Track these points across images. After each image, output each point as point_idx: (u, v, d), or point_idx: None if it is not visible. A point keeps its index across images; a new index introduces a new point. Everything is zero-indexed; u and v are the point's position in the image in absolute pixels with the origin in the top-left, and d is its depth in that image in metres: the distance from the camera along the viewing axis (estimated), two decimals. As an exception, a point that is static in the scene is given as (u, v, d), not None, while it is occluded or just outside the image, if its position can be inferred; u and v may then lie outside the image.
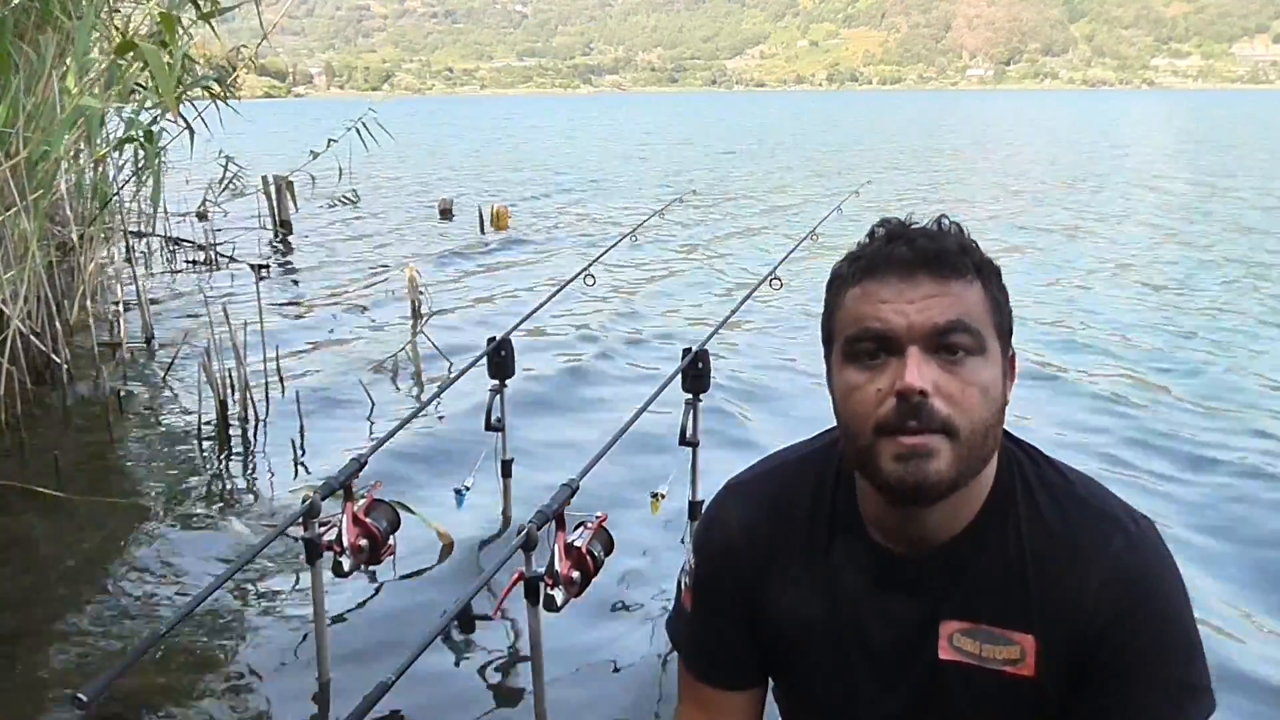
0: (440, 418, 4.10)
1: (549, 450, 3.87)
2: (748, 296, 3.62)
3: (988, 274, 1.03)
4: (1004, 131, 34.59)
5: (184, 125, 5.91)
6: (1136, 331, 6.03)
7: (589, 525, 2.17)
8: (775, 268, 3.65)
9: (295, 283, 7.69)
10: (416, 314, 6.16)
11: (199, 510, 3.40)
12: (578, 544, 2.09)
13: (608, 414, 4.29)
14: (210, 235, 9.36)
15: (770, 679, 1.22)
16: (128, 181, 6.54)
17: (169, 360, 5.11)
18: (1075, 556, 1.02)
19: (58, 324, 4.79)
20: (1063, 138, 30.76)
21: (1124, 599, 1.00)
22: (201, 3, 5.61)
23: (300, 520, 2.22)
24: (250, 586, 2.82)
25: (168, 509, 3.40)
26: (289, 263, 8.70)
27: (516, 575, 1.97)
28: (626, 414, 2.57)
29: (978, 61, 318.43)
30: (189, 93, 6.02)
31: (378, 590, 2.81)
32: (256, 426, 4.15)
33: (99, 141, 5.56)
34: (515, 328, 3.28)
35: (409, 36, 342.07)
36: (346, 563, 2.27)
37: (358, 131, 9.08)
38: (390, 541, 2.40)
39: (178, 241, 8.69)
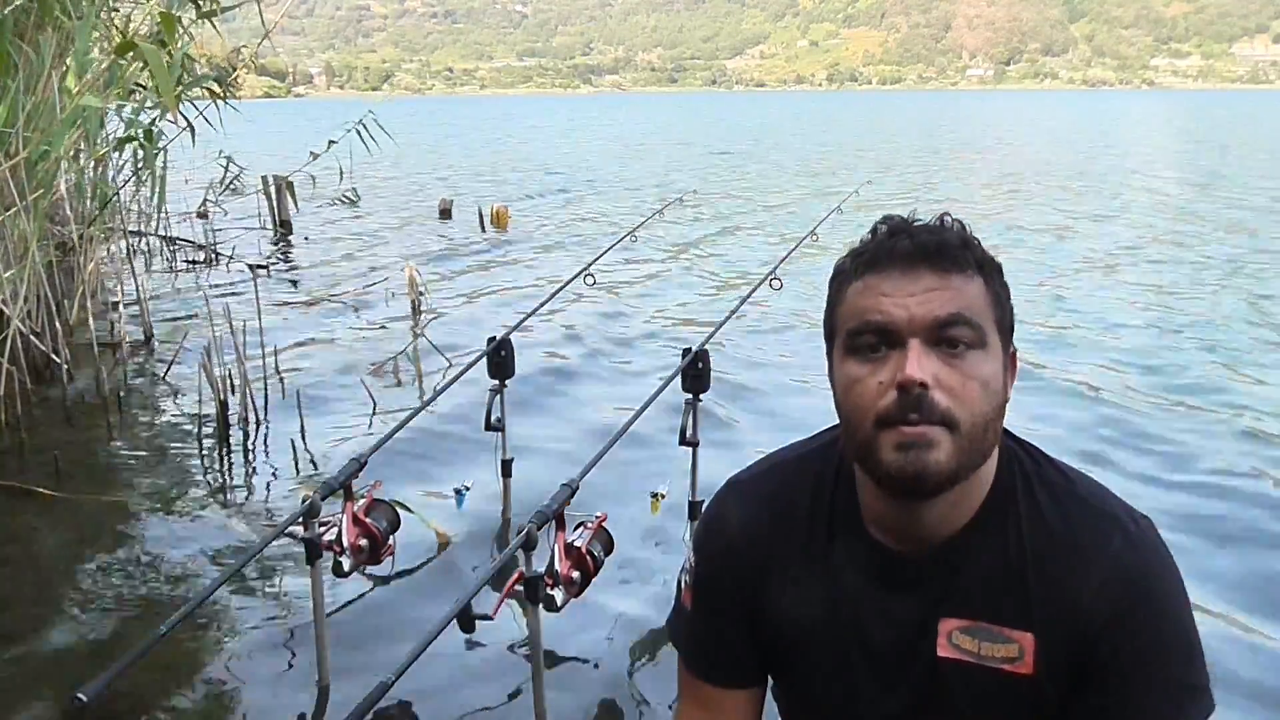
0: (440, 418, 4.10)
1: (549, 450, 3.87)
2: (747, 297, 3.62)
3: (989, 270, 1.04)
4: (1003, 132, 34.58)
5: (184, 125, 5.90)
6: (1121, 331, 6.03)
7: (589, 525, 2.17)
8: (775, 268, 3.65)
9: (295, 282, 7.69)
10: (416, 314, 6.16)
11: (199, 510, 3.40)
12: (578, 544, 2.09)
13: (608, 414, 4.30)
14: (210, 235, 9.37)
15: (770, 678, 1.22)
16: (128, 181, 6.54)
17: (169, 360, 5.11)
18: (1075, 555, 1.02)
19: (58, 324, 4.79)
20: (1060, 138, 30.75)
21: (1123, 598, 1.00)
22: (201, 2, 5.61)
23: (300, 520, 2.22)
24: (250, 586, 2.82)
25: (168, 509, 3.40)
26: (289, 262, 8.70)
27: (516, 575, 1.97)
28: (626, 414, 2.57)
29: (978, 61, 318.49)
30: (189, 92, 6.02)
31: (378, 590, 2.81)
32: (256, 426, 4.15)
33: (99, 141, 5.56)
34: (515, 328, 3.28)
35: (409, 36, 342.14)
36: (346, 563, 2.27)
37: (358, 133, 9.10)
38: (390, 541, 2.40)
39: (178, 241, 8.69)
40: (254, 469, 3.85)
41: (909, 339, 0.98)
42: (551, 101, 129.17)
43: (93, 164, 5.76)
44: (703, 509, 1.27)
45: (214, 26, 5.95)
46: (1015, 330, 1.07)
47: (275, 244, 9.61)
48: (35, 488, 3.49)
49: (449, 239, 10.01)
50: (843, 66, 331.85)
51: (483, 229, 10.54)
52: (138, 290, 5.89)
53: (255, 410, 4.17)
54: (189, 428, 4.21)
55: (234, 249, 8.59)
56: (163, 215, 8.21)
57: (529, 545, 1.95)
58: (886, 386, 0.98)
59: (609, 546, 2.19)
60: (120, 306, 5.57)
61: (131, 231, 7.50)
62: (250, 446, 4.03)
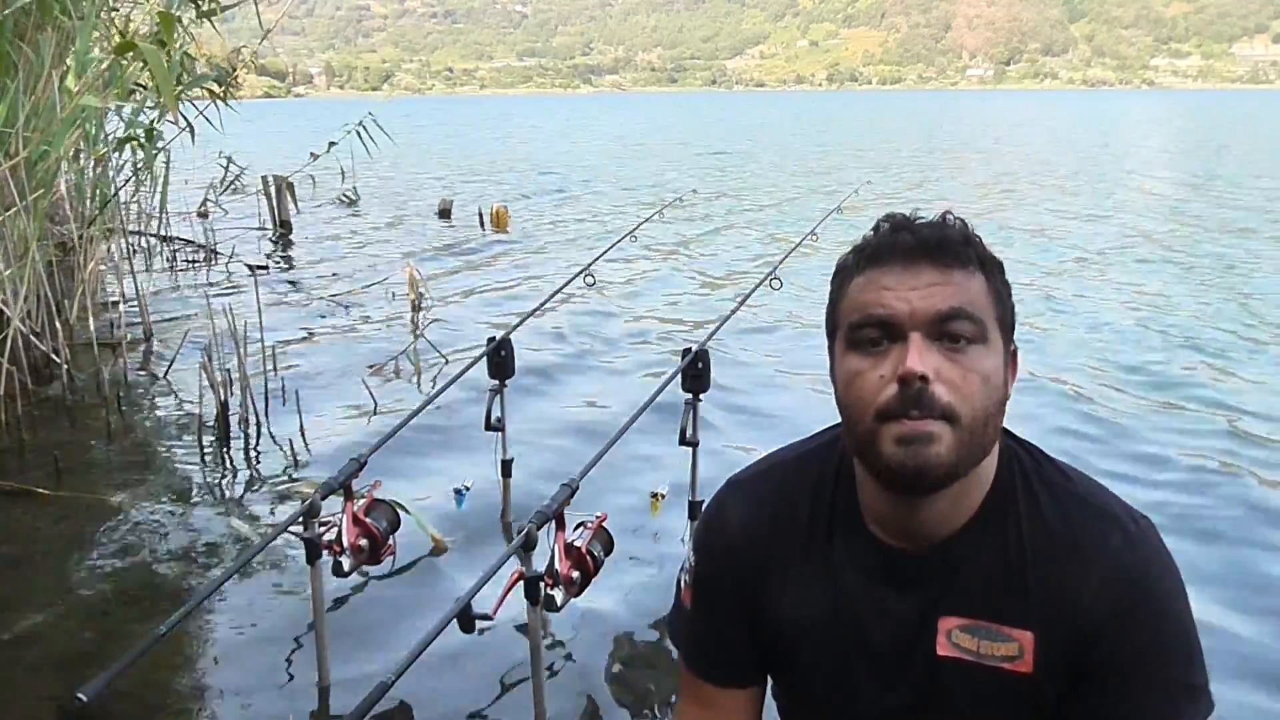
0: (440, 418, 4.10)
1: (549, 450, 3.87)
2: (747, 297, 3.62)
3: (991, 267, 1.04)
4: (1001, 132, 34.58)
5: (184, 125, 5.90)
6: (1106, 330, 6.04)
7: (589, 525, 2.17)
8: (775, 268, 3.65)
9: (295, 283, 7.69)
10: (416, 314, 6.16)
11: (199, 509, 3.40)
12: (578, 544, 2.09)
13: (607, 414, 4.30)
14: (210, 235, 9.37)
15: (770, 678, 1.22)
16: (128, 181, 6.54)
17: (169, 359, 5.11)
18: (1075, 555, 1.03)
19: (58, 323, 4.79)
20: (1058, 138, 30.74)
21: (1122, 598, 1.00)
22: (201, 2, 5.61)
23: (300, 520, 2.22)
24: (250, 586, 2.82)
25: (167, 508, 3.40)
26: (289, 262, 8.70)
27: (516, 575, 1.97)
28: (626, 414, 2.57)
29: (978, 61, 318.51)
30: (189, 93, 6.02)
31: (378, 590, 2.81)
32: (256, 426, 4.14)
33: (99, 142, 5.56)
34: (515, 328, 3.28)
35: (409, 36, 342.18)
36: (346, 563, 2.27)
37: (358, 135, 9.11)
38: (390, 541, 2.40)
39: (178, 241, 8.70)
40: (254, 469, 3.85)
41: (910, 333, 0.98)
42: (551, 101, 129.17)
43: (93, 164, 5.76)
44: (703, 509, 1.27)
45: (213, 26, 5.96)
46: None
47: (275, 244, 9.60)
48: (35, 487, 3.49)
49: (449, 239, 10.00)
50: (843, 66, 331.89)
51: (482, 229, 10.54)
52: (137, 290, 5.89)
53: (255, 410, 4.17)
54: (189, 427, 4.21)
55: (234, 249, 8.59)
56: (163, 215, 8.22)
57: (529, 545, 1.95)
58: (888, 380, 0.98)
59: (609, 546, 2.19)
60: (120, 306, 5.57)
61: (131, 231, 7.50)
62: (250, 446, 4.03)
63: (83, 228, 5.36)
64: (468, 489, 2.93)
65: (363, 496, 2.38)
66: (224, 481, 3.73)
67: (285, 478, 3.72)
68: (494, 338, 3.12)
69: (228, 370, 4.21)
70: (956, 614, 1.06)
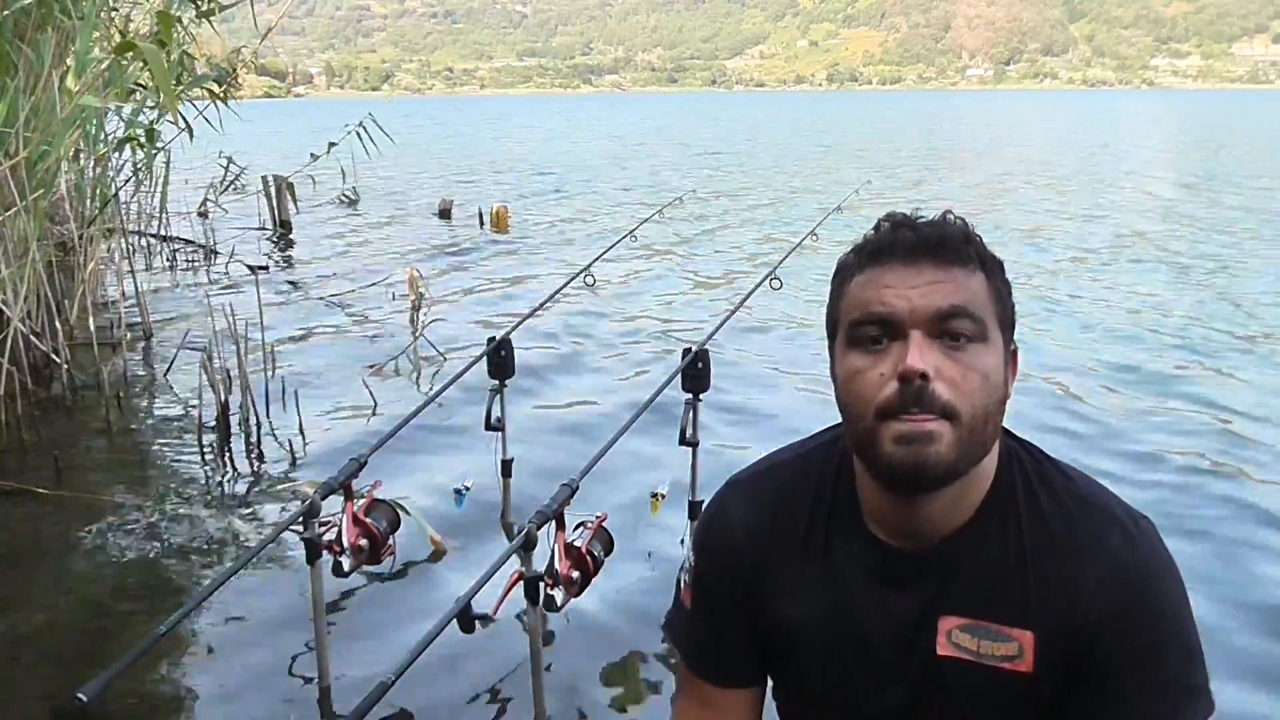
0: (440, 418, 4.10)
1: (549, 450, 3.87)
2: (747, 296, 3.62)
3: (991, 266, 1.04)
4: (1000, 133, 34.57)
5: (183, 126, 5.91)
6: (1096, 330, 6.04)
7: (589, 525, 2.17)
8: (775, 268, 3.66)
9: (295, 283, 7.69)
10: (416, 314, 6.16)
11: (199, 509, 3.40)
12: (578, 544, 2.09)
13: (607, 414, 4.30)
14: (210, 235, 9.37)
15: (770, 678, 1.22)
16: (128, 181, 6.54)
17: (168, 359, 5.11)
18: (1074, 554, 1.03)
19: (58, 323, 4.79)
20: (1056, 139, 30.73)
21: (1120, 597, 1.00)
22: (200, 2, 5.61)
23: (300, 520, 2.22)
24: (250, 586, 2.82)
25: (167, 508, 3.40)
26: (289, 262, 8.70)
27: (516, 575, 1.97)
28: (626, 414, 2.57)
29: (977, 61, 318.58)
30: (189, 93, 6.02)
31: (378, 590, 2.81)
32: (256, 426, 4.14)
33: (99, 142, 5.56)
34: (515, 328, 3.29)
35: (409, 36, 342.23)
36: (346, 563, 2.27)
37: (358, 136, 9.12)
38: (390, 541, 2.40)
39: (178, 241, 8.70)
40: (254, 469, 3.85)
41: (910, 330, 0.98)
42: (551, 101, 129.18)
43: (93, 164, 5.76)
44: (703, 509, 1.27)
45: (212, 27, 5.96)
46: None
47: (275, 244, 9.61)
48: (35, 487, 3.49)
49: (449, 239, 10.01)
50: (843, 66, 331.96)
51: (482, 229, 10.54)
52: (137, 290, 5.89)
53: (255, 410, 4.17)
54: (189, 427, 4.21)
55: (234, 249, 8.59)
56: (163, 215, 8.23)
57: (529, 545, 1.95)
58: (888, 378, 0.98)
59: (609, 546, 2.19)
60: (120, 306, 5.57)
61: (131, 231, 7.50)
62: (250, 446, 4.03)
63: (83, 228, 5.37)
64: (468, 489, 2.93)
65: (363, 496, 2.39)
66: (224, 481, 3.73)
67: (285, 478, 3.72)
68: (494, 338, 3.12)
69: (228, 370, 4.21)
70: (956, 614, 1.06)
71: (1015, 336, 1.08)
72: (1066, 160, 20.86)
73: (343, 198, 12.50)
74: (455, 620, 1.74)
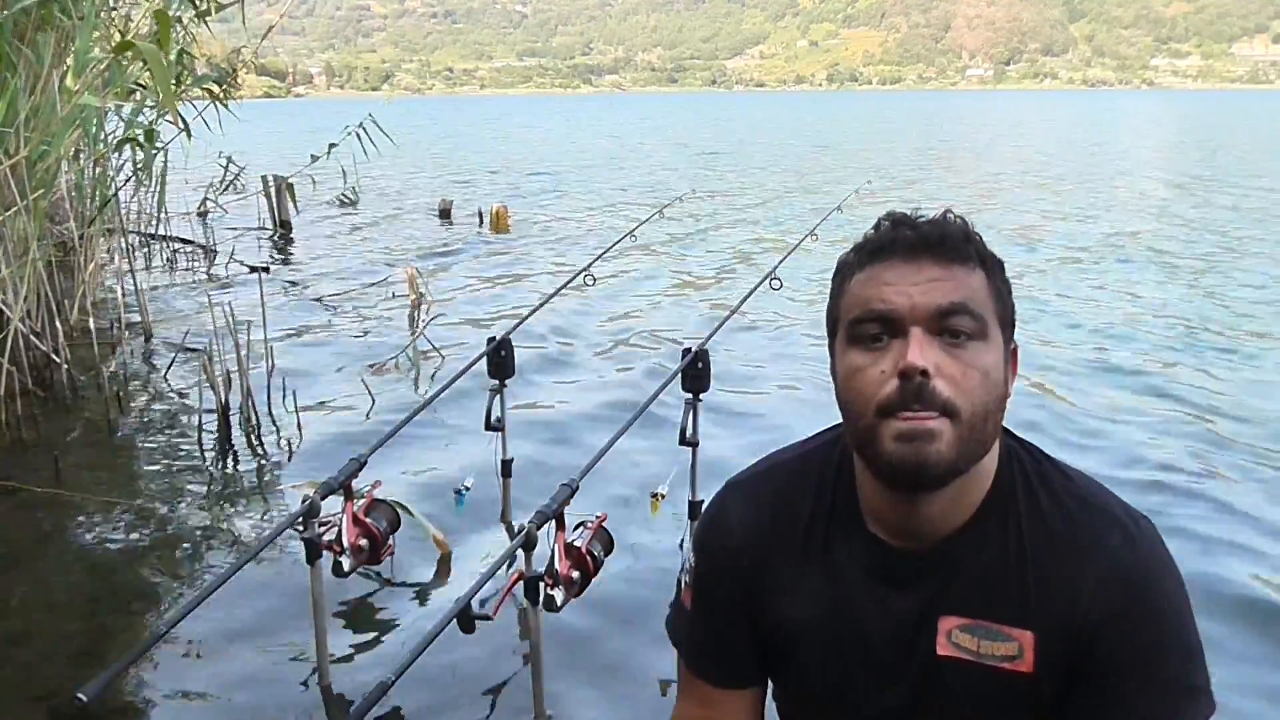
0: (440, 418, 4.10)
1: (549, 450, 3.87)
2: (747, 296, 3.62)
3: (991, 264, 1.05)
4: (999, 133, 34.57)
5: (182, 127, 5.91)
6: (1080, 330, 6.03)
7: (589, 525, 2.17)
8: (775, 268, 3.66)
9: (295, 283, 7.69)
10: (416, 313, 6.16)
11: (199, 509, 3.40)
12: (578, 544, 2.09)
13: (607, 414, 4.30)
14: (210, 235, 9.37)
15: (770, 679, 1.22)
16: (128, 181, 6.54)
17: (169, 360, 5.11)
18: (1074, 554, 1.03)
19: (58, 324, 4.79)
20: (1054, 139, 30.72)
21: (1120, 597, 1.00)
22: (199, 1, 5.61)
23: (300, 520, 2.22)
24: (250, 586, 2.81)
25: (168, 508, 3.40)
26: (289, 262, 8.70)
27: (516, 575, 1.97)
28: (626, 414, 2.57)
29: (977, 61, 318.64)
30: (188, 93, 6.02)
31: (378, 590, 2.81)
32: (256, 426, 4.14)
33: (99, 142, 5.57)
34: (515, 328, 3.29)
35: (409, 36, 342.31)
36: (346, 563, 2.27)
37: (358, 137, 9.12)
38: (390, 541, 2.40)
39: (177, 240, 8.70)
40: (254, 468, 3.85)
41: (911, 327, 0.98)
42: (551, 101, 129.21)
43: (93, 164, 5.76)
44: (703, 509, 1.27)
45: (207, 27, 5.96)
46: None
47: (275, 244, 9.61)
48: (35, 487, 3.49)
49: (449, 239, 10.01)
50: (843, 66, 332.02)
51: (482, 229, 10.55)
52: (137, 290, 5.89)
53: (255, 410, 4.17)
54: (189, 427, 4.21)
55: (234, 249, 8.59)
56: (163, 215, 8.23)
57: (529, 545, 1.95)
58: (888, 375, 0.98)
59: (609, 546, 2.19)
60: (120, 306, 5.57)
61: (131, 231, 7.50)
62: (250, 446, 4.03)
63: (83, 227, 5.37)
64: (467, 489, 2.93)
65: (363, 496, 2.39)
66: (224, 481, 3.73)
67: (285, 477, 3.72)
68: (494, 338, 3.12)
69: (227, 370, 4.21)
70: (956, 613, 1.06)
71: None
72: (1062, 160, 20.86)
73: (343, 198, 12.50)
74: (455, 620, 1.75)
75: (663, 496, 2.72)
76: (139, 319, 5.76)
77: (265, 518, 3.33)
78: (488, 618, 1.81)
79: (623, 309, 6.69)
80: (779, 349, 5.61)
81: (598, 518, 2.20)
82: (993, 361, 1.00)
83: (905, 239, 1.02)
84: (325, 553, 2.24)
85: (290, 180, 10.41)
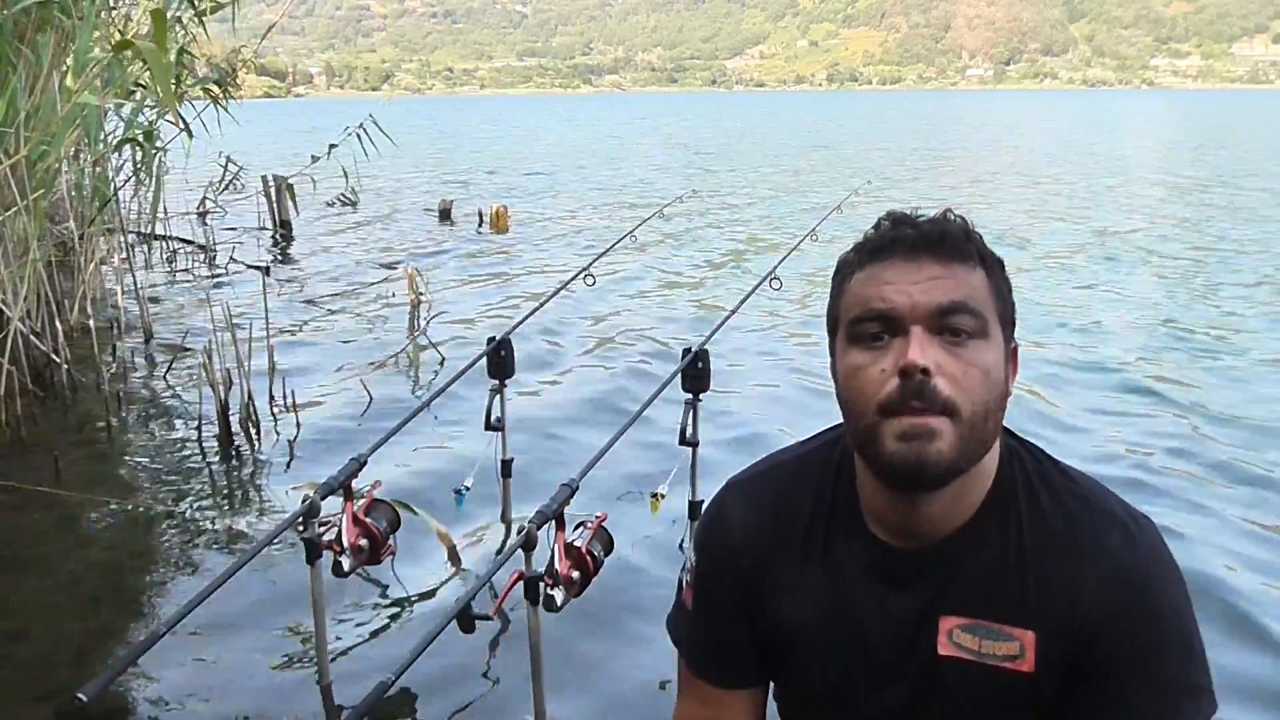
0: (440, 418, 4.10)
1: (549, 450, 3.87)
2: (747, 297, 3.61)
3: (991, 263, 1.05)
4: (998, 133, 34.57)
5: (182, 127, 5.91)
6: (1066, 329, 6.03)
7: (589, 525, 2.17)
8: (775, 268, 3.65)
9: (295, 283, 7.69)
10: (416, 314, 6.16)
11: (199, 509, 3.40)
12: (578, 544, 2.09)
13: (607, 413, 4.30)
14: (210, 235, 9.37)
15: (771, 681, 1.22)
16: (128, 181, 6.54)
17: (169, 360, 5.11)
18: (1074, 554, 1.02)
19: (57, 324, 4.79)
20: (1052, 139, 30.71)
21: (1120, 597, 1.00)
22: (198, 1, 5.61)
23: (300, 520, 2.22)
24: (250, 586, 2.81)
25: (167, 508, 3.40)
26: (289, 263, 8.70)
27: (516, 575, 1.97)
28: (626, 414, 2.57)
29: (977, 61, 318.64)
30: (188, 93, 6.02)
31: (378, 590, 2.81)
32: (256, 425, 4.14)
33: (99, 142, 5.56)
34: (515, 328, 3.28)
35: (409, 36, 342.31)
36: (346, 563, 2.27)
37: (358, 137, 9.12)
38: (390, 541, 2.40)
39: (177, 240, 8.70)
40: (254, 468, 3.85)
41: (911, 326, 0.98)
42: (551, 101, 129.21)
43: (92, 164, 5.76)
44: (703, 509, 1.27)
45: (204, 28, 5.96)
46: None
47: (275, 244, 9.61)
48: (35, 487, 3.49)
49: (448, 239, 10.01)
50: (843, 66, 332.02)
51: (481, 229, 10.55)
52: (137, 290, 5.89)
53: (255, 410, 4.17)
54: (189, 428, 4.21)
55: (234, 249, 8.59)
56: (163, 215, 8.22)
57: (529, 545, 1.95)
58: (889, 374, 0.98)
59: (609, 546, 2.19)
60: (120, 306, 5.56)
61: (132, 231, 7.50)
62: (250, 446, 4.03)
63: (82, 227, 5.37)
64: (467, 489, 2.93)
65: (363, 496, 2.38)
66: (224, 481, 3.73)
67: (285, 477, 3.72)
68: (494, 338, 3.12)
69: (227, 369, 4.21)
70: (957, 613, 1.06)
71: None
72: (1059, 160, 20.86)
73: (343, 198, 12.51)
74: (455, 620, 1.74)
75: (663, 496, 2.72)
76: (139, 319, 5.76)
77: (265, 518, 3.33)
78: (488, 618, 1.81)
79: (624, 308, 6.69)
80: (780, 348, 5.61)
81: (598, 518, 2.20)
82: (993, 360, 1.00)
83: (905, 238, 1.02)
84: (325, 553, 2.24)
85: (290, 180, 10.41)
